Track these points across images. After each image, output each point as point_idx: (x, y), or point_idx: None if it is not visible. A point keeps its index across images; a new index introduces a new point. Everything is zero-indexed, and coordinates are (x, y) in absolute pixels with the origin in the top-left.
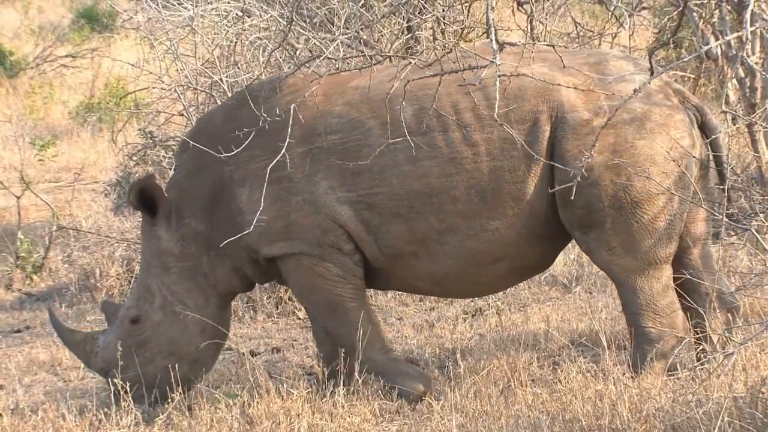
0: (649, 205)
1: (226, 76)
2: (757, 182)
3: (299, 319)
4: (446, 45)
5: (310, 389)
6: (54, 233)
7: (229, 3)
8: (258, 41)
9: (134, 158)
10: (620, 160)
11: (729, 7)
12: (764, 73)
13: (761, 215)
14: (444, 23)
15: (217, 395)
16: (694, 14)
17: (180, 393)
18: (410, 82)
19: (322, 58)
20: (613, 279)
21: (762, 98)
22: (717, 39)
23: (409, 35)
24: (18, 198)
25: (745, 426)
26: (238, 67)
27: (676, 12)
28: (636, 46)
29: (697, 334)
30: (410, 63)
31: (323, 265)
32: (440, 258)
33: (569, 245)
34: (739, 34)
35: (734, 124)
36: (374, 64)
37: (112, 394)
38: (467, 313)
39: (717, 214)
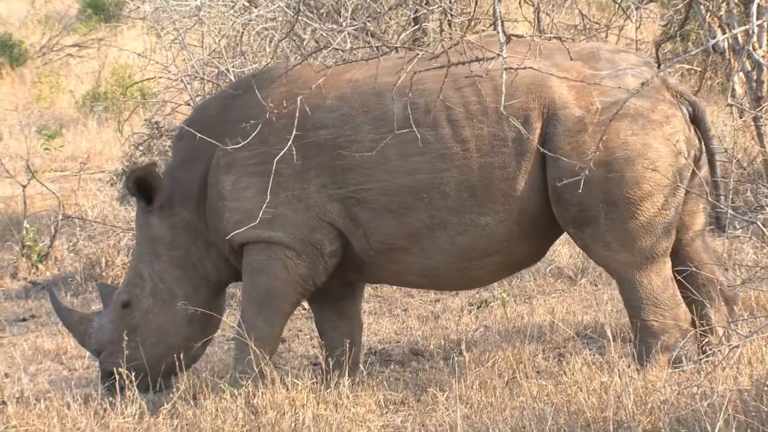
0: (643, 200)
1: (233, 66)
2: (763, 176)
3: (304, 309)
4: (452, 36)
5: (315, 380)
6: (60, 222)
7: None
8: (265, 32)
9: (140, 148)
10: (624, 155)
11: (736, 1)
12: None
13: (767, 209)
14: (451, 15)
15: (222, 385)
16: (701, 7)
17: (164, 382)
18: (402, 77)
19: (329, 49)
20: (612, 274)
21: None
22: (724, 32)
23: (416, 27)
24: (24, 187)
25: (750, 419)
26: (245, 58)
27: (683, 4)
28: (643, 39)
29: (699, 326)
30: (417, 54)
31: (295, 260)
32: (431, 253)
33: None
34: (746, 27)
35: (741, 118)
36: (381, 56)
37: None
38: (472, 305)
39: (722, 206)
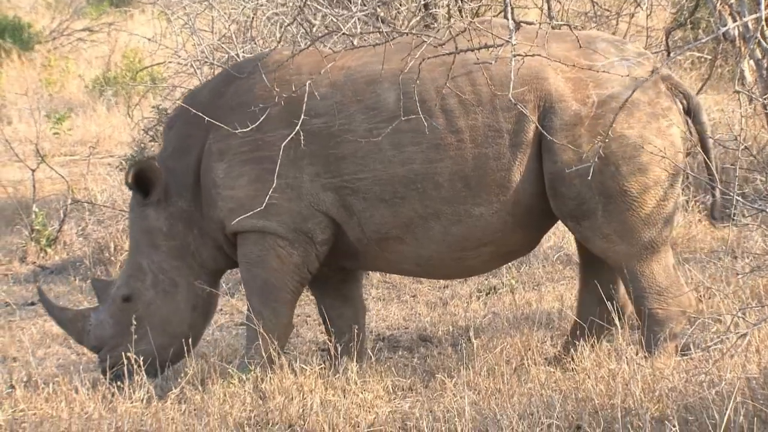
0: (640, 192)
1: (243, 52)
2: None
3: (312, 295)
4: (452, 25)
5: (323, 365)
6: (69, 207)
7: None
8: (275, 17)
9: (149, 133)
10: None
11: None
12: None
13: None
14: (461, 1)
15: (230, 370)
16: None
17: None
18: (393, 66)
19: (339, 34)
20: (613, 266)
21: None
22: (735, 20)
23: (426, 12)
24: (33, 171)
25: (758, 406)
26: (255, 43)
27: None
28: (653, 26)
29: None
30: (423, 42)
31: (288, 250)
32: (425, 242)
33: None
34: (757, 15)
35: (750, 105)
36: (390, 41)
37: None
38: (481, 291)
39: (729, 194)
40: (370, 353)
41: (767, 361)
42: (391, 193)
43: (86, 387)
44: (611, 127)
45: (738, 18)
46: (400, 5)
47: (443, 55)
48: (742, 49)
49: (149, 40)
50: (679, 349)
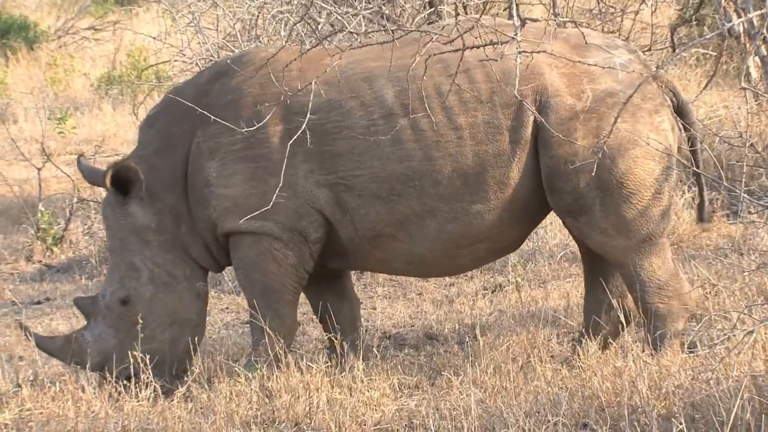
0: (637, 186)
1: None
2: None
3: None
4: (458, 22)
5: (329, 363)
6: (75, 205)
7: None
8: (280, 15)
9: None
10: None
11: None
12: None
13: None
14: None
15: (236, 368)
16: None
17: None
18: (392, 62)
19: (344, 32)
20: (611, 261)
21: None
22: (739, 16)
23: (431, 10)
24: (39, 170)
25: (765, 403)
26: (260, 41)
27: None
28: (658, 23)
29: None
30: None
31: (283, 251)
32: (419, 240)
33: None
34: (762, 11)
35: (756, 101)
36: (396, 39)
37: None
38: (487, 289)
39: (736, 191)
40: (376, 351)
41: None
42: (387, 190)
43: (93, 386)
44: (600, 123)
45: (743, 14)
46: (405, 2)
47: (448, 52)
48: (748, 45)
49: (154, 38)
50: (686, 346)
